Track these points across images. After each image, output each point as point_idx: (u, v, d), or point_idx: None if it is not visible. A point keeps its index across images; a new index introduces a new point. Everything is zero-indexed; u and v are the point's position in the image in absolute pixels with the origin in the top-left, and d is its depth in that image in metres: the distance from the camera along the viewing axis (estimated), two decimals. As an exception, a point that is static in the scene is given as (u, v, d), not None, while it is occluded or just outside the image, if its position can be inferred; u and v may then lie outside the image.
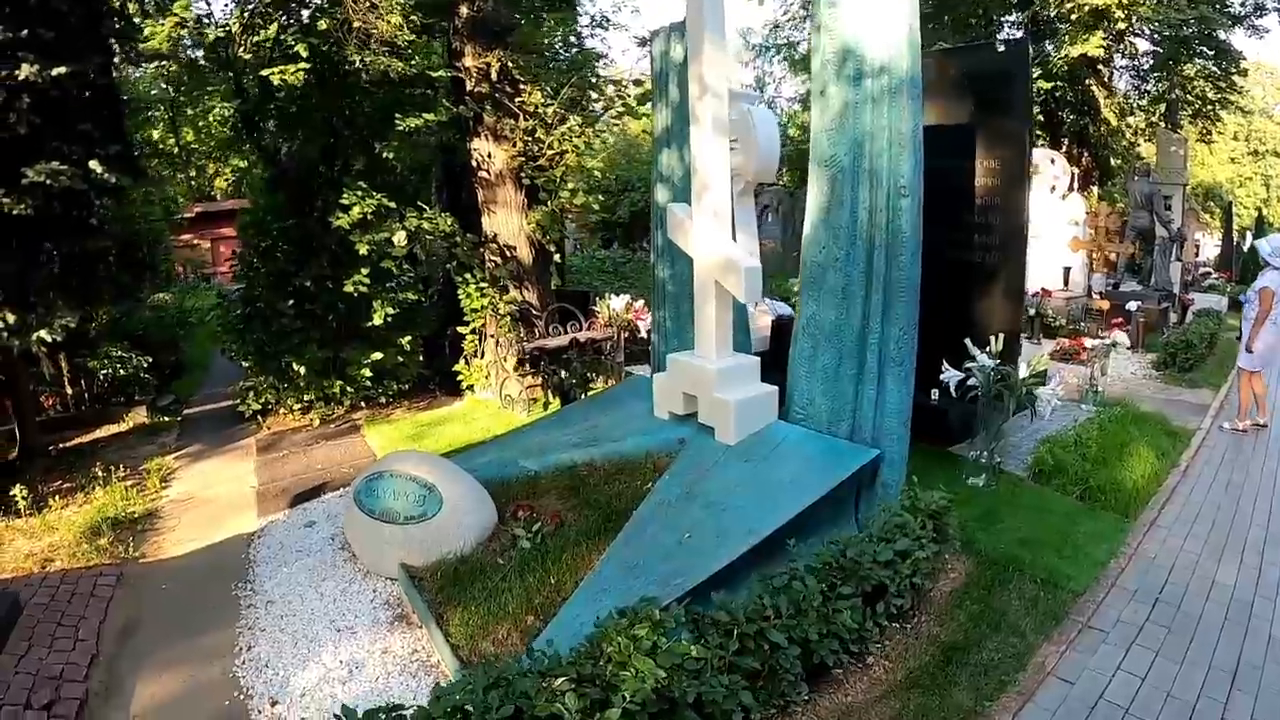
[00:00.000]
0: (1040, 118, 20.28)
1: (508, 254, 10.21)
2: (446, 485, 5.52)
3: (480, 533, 5.48)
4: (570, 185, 9.79)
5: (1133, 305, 12.89)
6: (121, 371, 10.41)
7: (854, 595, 4.20)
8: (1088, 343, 9.14)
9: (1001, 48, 7.61)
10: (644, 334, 10.20)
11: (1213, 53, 22.13)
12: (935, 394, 6.99)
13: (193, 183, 26.14)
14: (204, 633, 5.12)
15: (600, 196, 10.21)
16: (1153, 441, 7.77)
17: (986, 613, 4.96)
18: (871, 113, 5.37)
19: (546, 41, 11.32)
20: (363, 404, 10.26)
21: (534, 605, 4.70)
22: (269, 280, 9.94)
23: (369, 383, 10.06)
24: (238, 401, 10.06)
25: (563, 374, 8.96)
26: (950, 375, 6.68)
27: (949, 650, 4.58)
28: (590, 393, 8.64)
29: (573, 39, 14.26)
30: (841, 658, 4.16)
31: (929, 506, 4.95)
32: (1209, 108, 24.42)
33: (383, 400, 10.35)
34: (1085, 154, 22.51)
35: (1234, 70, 23.22)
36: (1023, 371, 6.75)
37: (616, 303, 10.39)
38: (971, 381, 6.58)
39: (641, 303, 10.54)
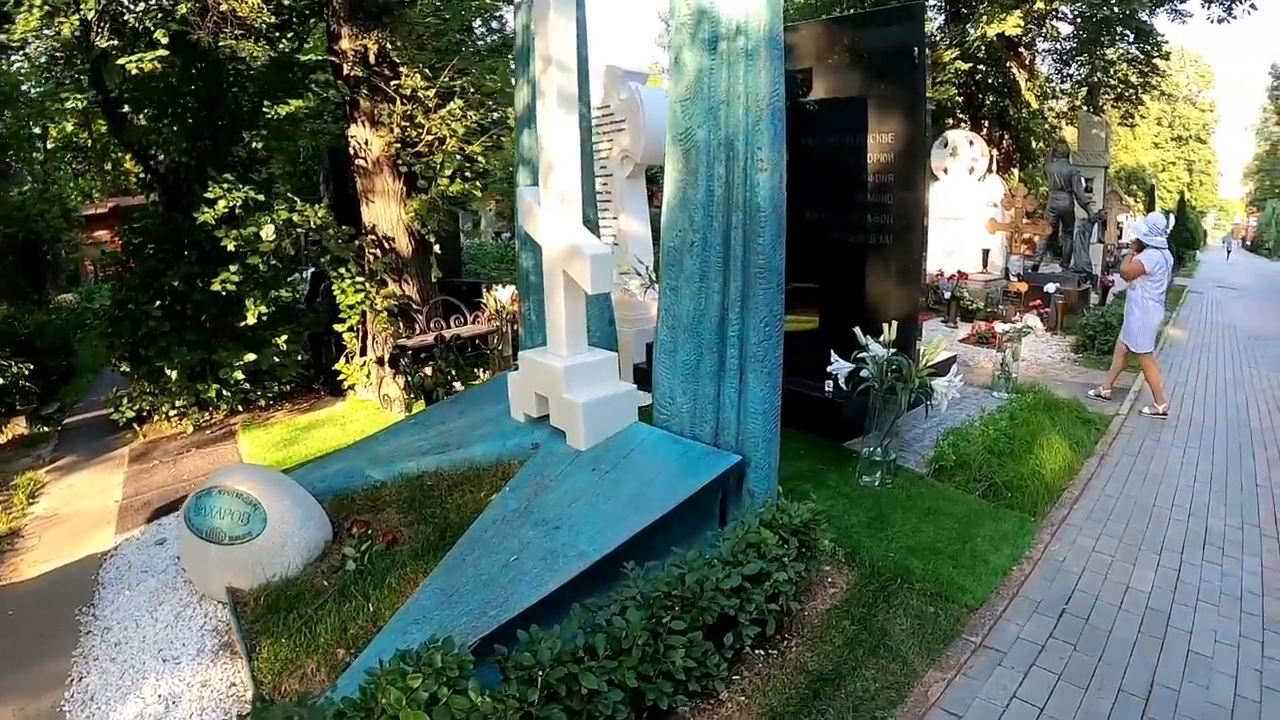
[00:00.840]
0: (960, 99, 19.92)
1: (386, 246, 9.51)
2: (272, 502, 4.83)
3: (310, 552, 4.81)
4: (448, 171, 9.08)
5: (1050, 287, 12.52)
6: (1, 380, 9.60)
7: (690, 629, 3.53)
8: (999, 327, 8.63)
9: (893, 14, 7.05)
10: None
11: (1134, 35, 22.07)
12: (829, 386, 6.39)
13: (108, 177, 24.77)
14: (40, 662, 4.55)
15: (479, 183, 9.44)
16: (1066, 430, 7.26)
17: (865, 635, 4.32)
18: (727, 78, 4.70)
19: (432, 20, 10.58)
20: (240, 408, 9.53)
21: (348, 636, 4.06)
22: (138, 280, 9.19)
23: (245, 385, 9.40)
24: (112, 410, 9.29)
25: (425, 373, 8.23)
26: (839, 366, 6.09)
27: (818, 681, 3.93)
28: (452, 394, 7.91)
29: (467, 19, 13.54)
30: (680, 699, 3.50)
31: (793, 520, 4.30)
32: (1131, 91, 24.41)
33: (262, 403, 9.65)
34: (1006, 136, 22.32)
35: (1155, 54, 23.20)
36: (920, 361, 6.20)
37: (503, 294, 9.63)
38: (864, 373, 5.98)
39: (512, 292, 9.77)
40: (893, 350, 5.92)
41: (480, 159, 9.18)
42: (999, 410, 7.54)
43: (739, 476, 4.83)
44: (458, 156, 8.96)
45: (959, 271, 13.81)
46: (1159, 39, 22.51)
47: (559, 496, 4.56)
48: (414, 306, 9.56)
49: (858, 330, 5.99)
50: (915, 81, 6.77)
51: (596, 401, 5.02)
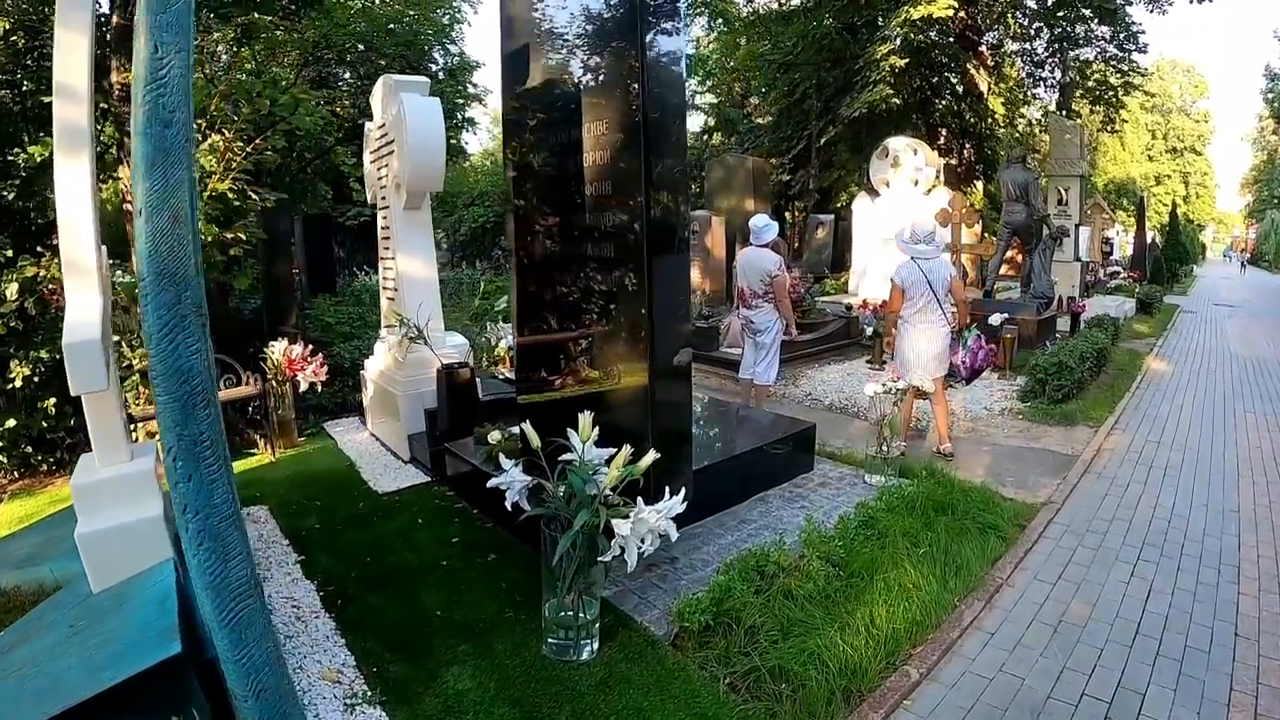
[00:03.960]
0: (897, 101, 17.36)
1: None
2: None
3: None
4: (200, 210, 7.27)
5: (996, 319, 10.23)
6: None
7: None
8: (869, 387, 6.28)
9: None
10: (313, 386, 7.93)
11: (1098, 17, 19.80)
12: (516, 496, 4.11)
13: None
14: None
15: (240, 224, 7.85)
16: (946, 548, 4.91)
17: None
18: None
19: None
20: (18, 473, 8.18)
21: None
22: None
23: (27, 449, 8.18)
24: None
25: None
26: (508, 480, 3.86)
27: None
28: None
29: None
30: None
31: None
32: (1111, 93, 22.19)
33: (43, 469, 8.26)
34: (968, 145, 20.09)
35: (1133, 47, 21.03)
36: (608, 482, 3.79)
37: (277, 349, 7.66)
38: (545, 496, 3.71)
39: (302, 349, 7.80)
40: (599, 459, 3.67)
41: (233, 196, 7.93)
42: (855, 511, 5.25)
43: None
44: (208, 197, 7.76)
45: (864, 301, 11.56)
46: (1133, 27, 20.31)
47: (24, 655, 3.15)
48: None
49: (572, 432, 3.70)
50: (637, 64, 4.44)
51: (103, 533, 3.56)
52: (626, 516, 3.46)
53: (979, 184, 19.95)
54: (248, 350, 8.30)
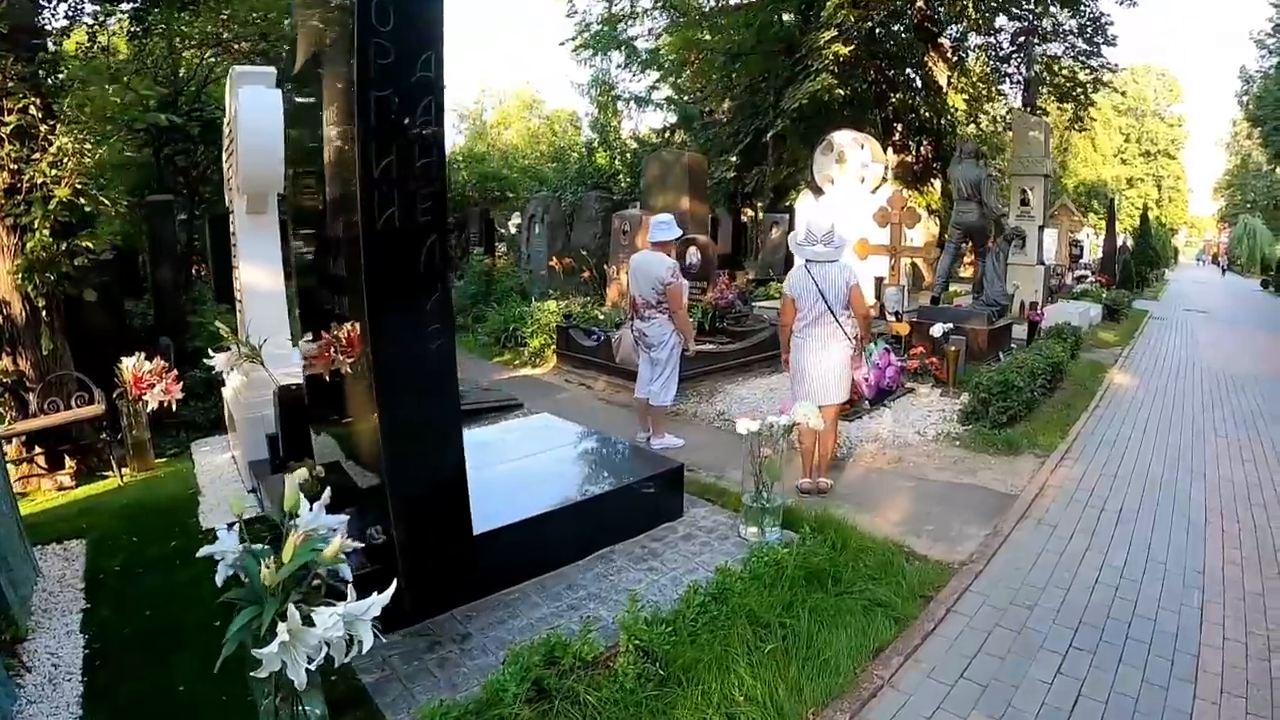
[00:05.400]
0: (841, 93, 16.11)
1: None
2: None
3: None
4: (37, 218, 6.83)
5: (937, 330, 9.12)
6: None
7: None
8: (740, 426, 5.03)
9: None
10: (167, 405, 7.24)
11: (1062, 5, 18.76)
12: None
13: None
14: None
15: (96, 232, 7.21)
16: (805, 642, 3.79)
17: None
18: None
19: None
20: None
21: None
22: None
23: None
24: None
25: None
26: (216, 552, 2.85)
27: None
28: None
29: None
30: None
31: None
32: (1079, 90, 21.17)
33: None
34: (926, 141, 18.99)
35: (1102, 40, 20.02)
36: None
37: (127, 365, 7.04)
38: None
39: (155, 365, 7.11)
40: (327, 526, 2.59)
41: (84, 203, 7.02)
42: (713, 578, 4.11)
43: None
44: (60, 202, 6.89)
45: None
46: (1102, 18, 19.32)
47: None
48: (29, 383, 7.57)
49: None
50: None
51: None
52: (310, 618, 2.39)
53: (937, 183, 18.87)
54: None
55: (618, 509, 4.84)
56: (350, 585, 2.68)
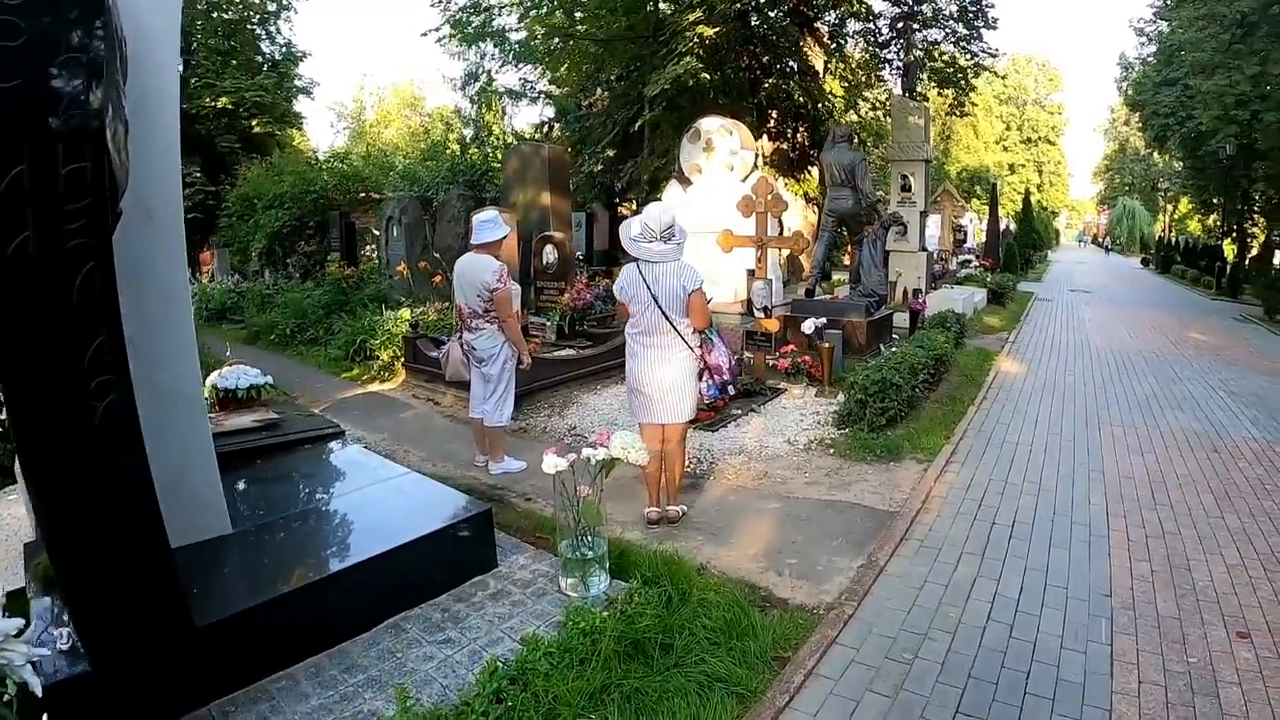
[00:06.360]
0: (709, 77, 15.22)
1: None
2: None
3: None
4: None
5: (809, 326, 8.29)
6: None
7: None
8: (546, 462, 3.96)
9: None
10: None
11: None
12: None
13: None
14: None
15: None
16: None
17: None
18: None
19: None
20: None
21: None
22: None
23: None
24: None
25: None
26: None
27: None
28: None
29: None
30: None
31: None
32: (960, 75, 20.85)
33: None
34: (801, 128, 18.33)
35: (982, 24, 19.70)
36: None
37: None
38: None
39: None
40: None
41: None
42: (516, 652, 3.09)
43: None
44: None
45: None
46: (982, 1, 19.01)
47: None
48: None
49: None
50: None
51: None
52: None
53: (814, 170, 18.22)
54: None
55: (414, 565, 3.79)
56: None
